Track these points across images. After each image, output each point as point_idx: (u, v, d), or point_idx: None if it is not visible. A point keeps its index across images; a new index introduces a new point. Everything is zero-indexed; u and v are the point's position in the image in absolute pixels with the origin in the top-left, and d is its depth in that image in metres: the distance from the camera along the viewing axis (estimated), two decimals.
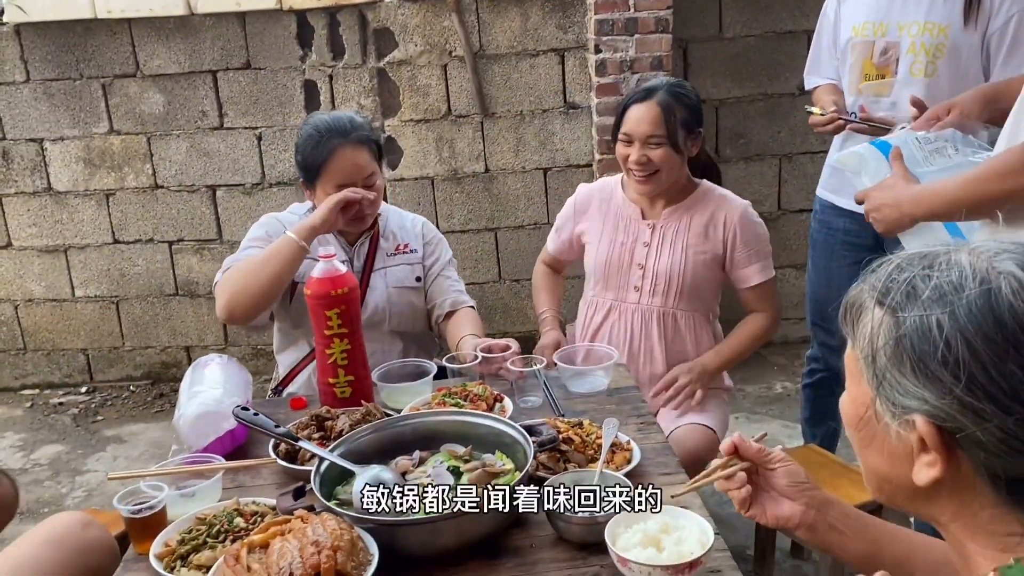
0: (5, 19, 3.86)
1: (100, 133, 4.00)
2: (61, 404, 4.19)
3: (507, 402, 1.84)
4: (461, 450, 1.60)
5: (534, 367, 1.94)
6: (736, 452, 1.21)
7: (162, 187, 4.07)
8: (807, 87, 2.59)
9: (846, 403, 0.94)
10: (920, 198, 1.69)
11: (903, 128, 1.97)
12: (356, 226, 2.25)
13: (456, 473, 1.54)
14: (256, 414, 1.63)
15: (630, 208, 2.31)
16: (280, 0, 3.77)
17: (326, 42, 3.85)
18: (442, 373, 2.04)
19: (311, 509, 1.38)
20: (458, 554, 1.37)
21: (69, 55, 3.90)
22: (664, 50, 3.44)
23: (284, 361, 2.37)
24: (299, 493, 1.45)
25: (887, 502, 0.96)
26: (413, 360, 2.07)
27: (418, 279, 2.34)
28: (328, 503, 1.40)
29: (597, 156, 3.64)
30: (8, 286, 4.23)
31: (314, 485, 1.43)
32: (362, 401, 1.81)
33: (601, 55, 3.47)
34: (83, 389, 4.30)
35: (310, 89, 3.91)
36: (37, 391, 4.35)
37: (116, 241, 4.14)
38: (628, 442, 1.66)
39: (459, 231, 4.03)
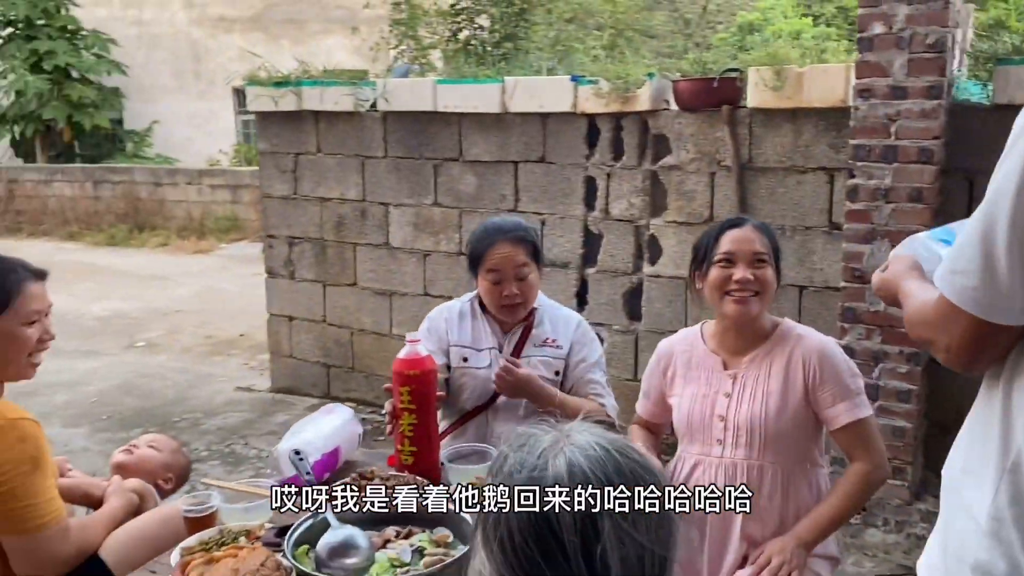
0: (378, 107, 4.86)
1: (427, 204, 4.81)
2: (364, 420, 5.04)
3: None
4: (440, 535, 1.80)
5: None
6: None
7: (465, 254, 4.72)
8: None
9: None
10: None
11: None
12: (509, 316, 2.52)
13: (421, 554, 1.76)
14: (303, 459, 2.00)
15: (712, 359, 2.23)
16: (575, 104, 4.21)
17: (609, 144, 4.19)
18: None
19: (276, 546, 1.70)
20: None
21: (414, 139, 4.77)
22: (926, 182, 3.16)
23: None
24: (283, 532, 1.77)
25: None
26: (483, 445, 2.29)
27: (557, 373, 2.51)
28: (285, 546, 1.69)
29: (842, 283, 3.43)
30: (349, 316, 5.23)
31: (292, 530, 1.74)
32: (410, 472, 2.09)
33: (855, 180, 3.30)
34: (383, 411, 5.11)
35: (590, 184, 4.28)
36: (355, 406, 5.27)
37: (426, 293, 4.91)
38: None
39: None
